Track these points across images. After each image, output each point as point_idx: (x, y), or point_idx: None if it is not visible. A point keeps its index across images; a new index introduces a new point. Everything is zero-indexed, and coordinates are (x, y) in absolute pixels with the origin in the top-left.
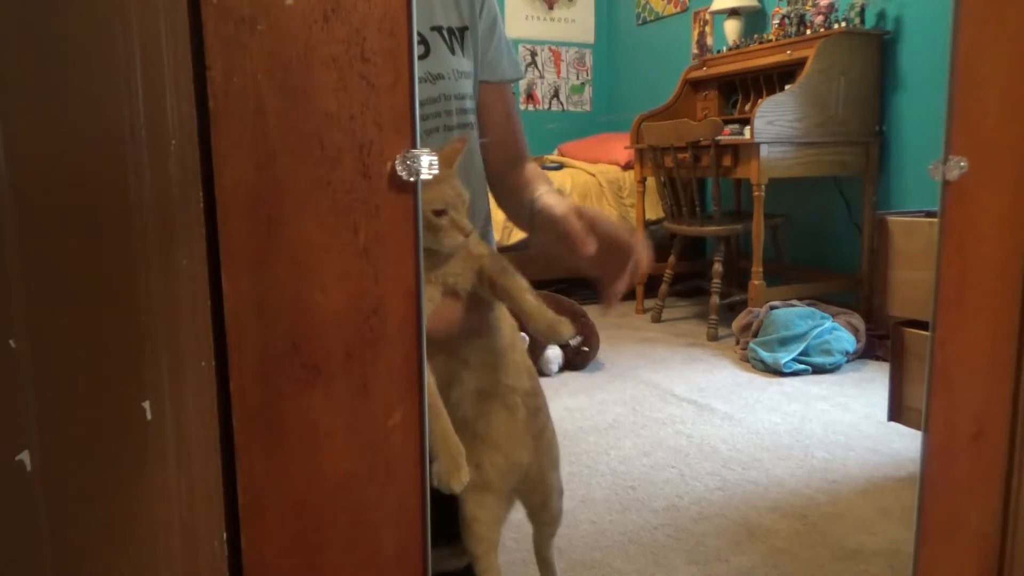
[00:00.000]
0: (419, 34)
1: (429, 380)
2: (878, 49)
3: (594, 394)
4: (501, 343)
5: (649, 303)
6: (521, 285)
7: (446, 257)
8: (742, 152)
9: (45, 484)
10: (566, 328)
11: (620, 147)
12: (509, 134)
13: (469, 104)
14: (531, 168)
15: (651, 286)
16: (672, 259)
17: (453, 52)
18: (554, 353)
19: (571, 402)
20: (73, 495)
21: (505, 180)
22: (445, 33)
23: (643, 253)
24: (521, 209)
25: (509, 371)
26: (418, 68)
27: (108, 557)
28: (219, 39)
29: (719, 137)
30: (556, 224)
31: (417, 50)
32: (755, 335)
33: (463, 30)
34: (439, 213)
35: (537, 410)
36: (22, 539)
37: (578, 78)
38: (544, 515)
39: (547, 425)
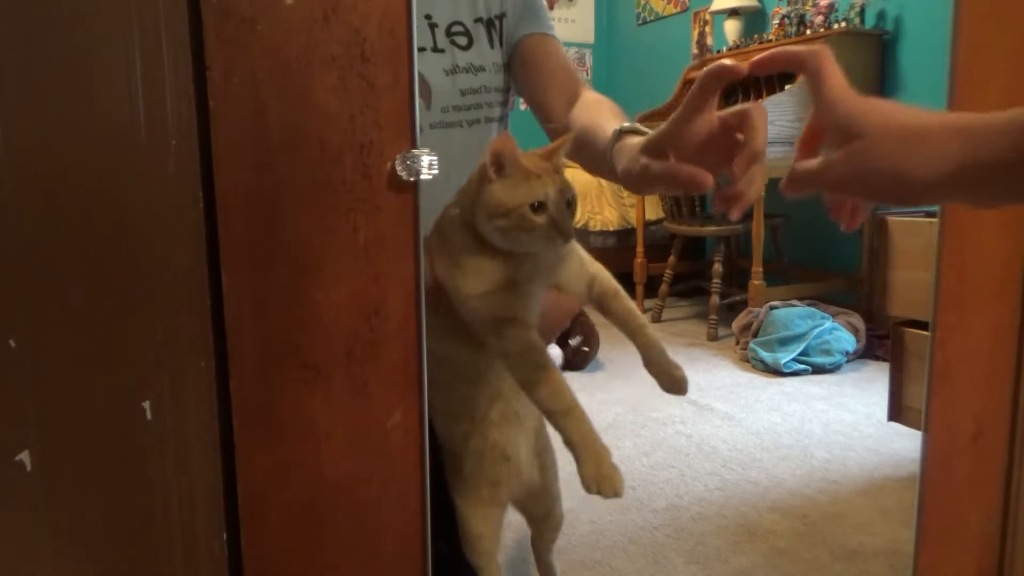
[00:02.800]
0: (463, 25)
1: (568, 388)
2: (878, 49)
3: (594, 394)
4: None
5: (649, 303)
6: (641, 320)
7: (551, 258)
8: None
9: (45, 484)
10: (684, 385)
11: None
12: (568, 79)
13: (505, 98)
14: (594, 101)
15: (651, 286)
16: (672, 259)
17: (492, 46)
18: (554, 353)
19: None
20: (73, 495)
21: (574, 125)
22: (485, 25)
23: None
24: (600, 149)
25: None
26: (461, 59)
27: (108, 557)
28: (219, 39)
29: None
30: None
31: (461, 41)
32: (755, 335)
33: (501, 17)
34: (537, 208)
35: (542, 426)
36: (22, 539)
37: None
38: (547, 523)
39: (548, 440)
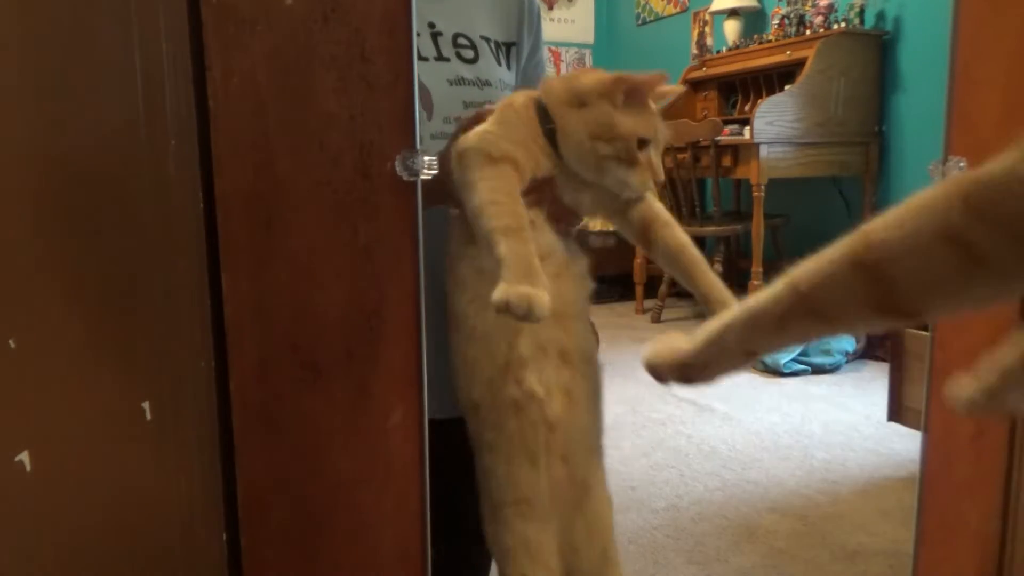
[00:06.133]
0: (468, 39)
1: (519, 207)
2: (878, 49)
3: None
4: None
5: (649, 303)
6: (696, 254)
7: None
8: (742, 152)
9: (45, 484)
10: None
11: None
12: None
13: None
14: None
15: (651, 286)
16: None
17: (499, 63)
18: None
19: None
20: (73, 495)
21: None
22: (492, 45)
23: None
24: None
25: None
26: (467, 71)
27: (108, 557)
28: (219, 39)
29: (719, 137)
30: None
31: (467, 54)
32: None
33: (510, 45)
34: (641, 144)
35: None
36: (22, 539)
37: None
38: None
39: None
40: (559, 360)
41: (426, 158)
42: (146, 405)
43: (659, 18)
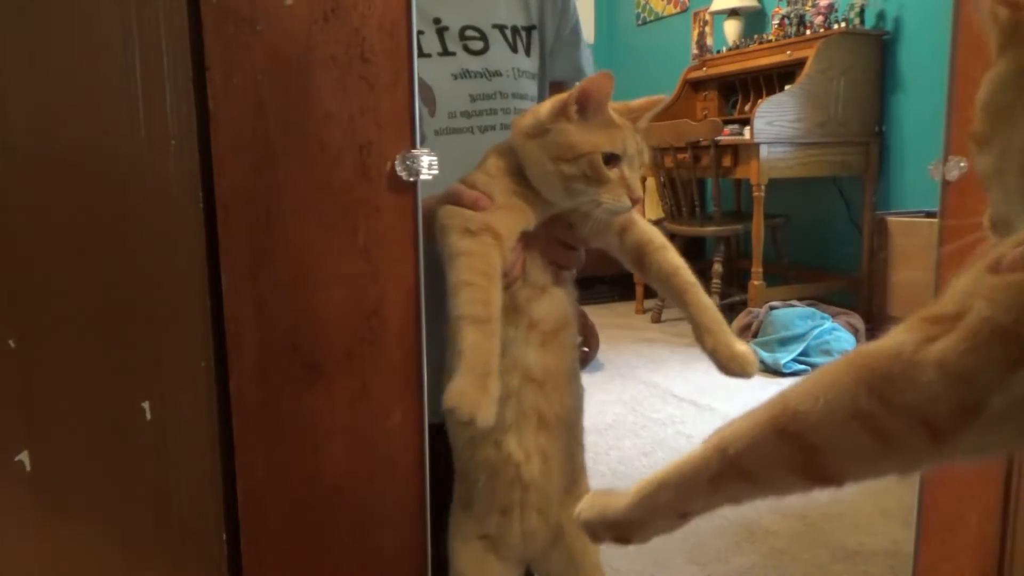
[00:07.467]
0: (477, 30)
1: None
2: (878, 49)
3: (594, 394)
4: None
5: (649, 303)
6: (690, 278)
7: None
8: (742, 152)
9: (45, 484)
10: (751, 366)
11: None
12: None
13: (530, 105)
14: None
15: (651, 286)
16: None
17: (515, 51)
18: None
19: None
20: (73, 496)
21: None
22: (508, 32)
23: None
24: None
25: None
26: (473, 63)
27: (108, 557)
28: (219, 39)
29: (719, 137)
30: None
31: (475, 45)
32: (755, 335)
33: (530, 29)
34: (610, 161)
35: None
36: (22, 539)
37: None
38: None
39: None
40: (538, 424)
41: (426, 158)
42: (146, 405)
43: (659, 18)
